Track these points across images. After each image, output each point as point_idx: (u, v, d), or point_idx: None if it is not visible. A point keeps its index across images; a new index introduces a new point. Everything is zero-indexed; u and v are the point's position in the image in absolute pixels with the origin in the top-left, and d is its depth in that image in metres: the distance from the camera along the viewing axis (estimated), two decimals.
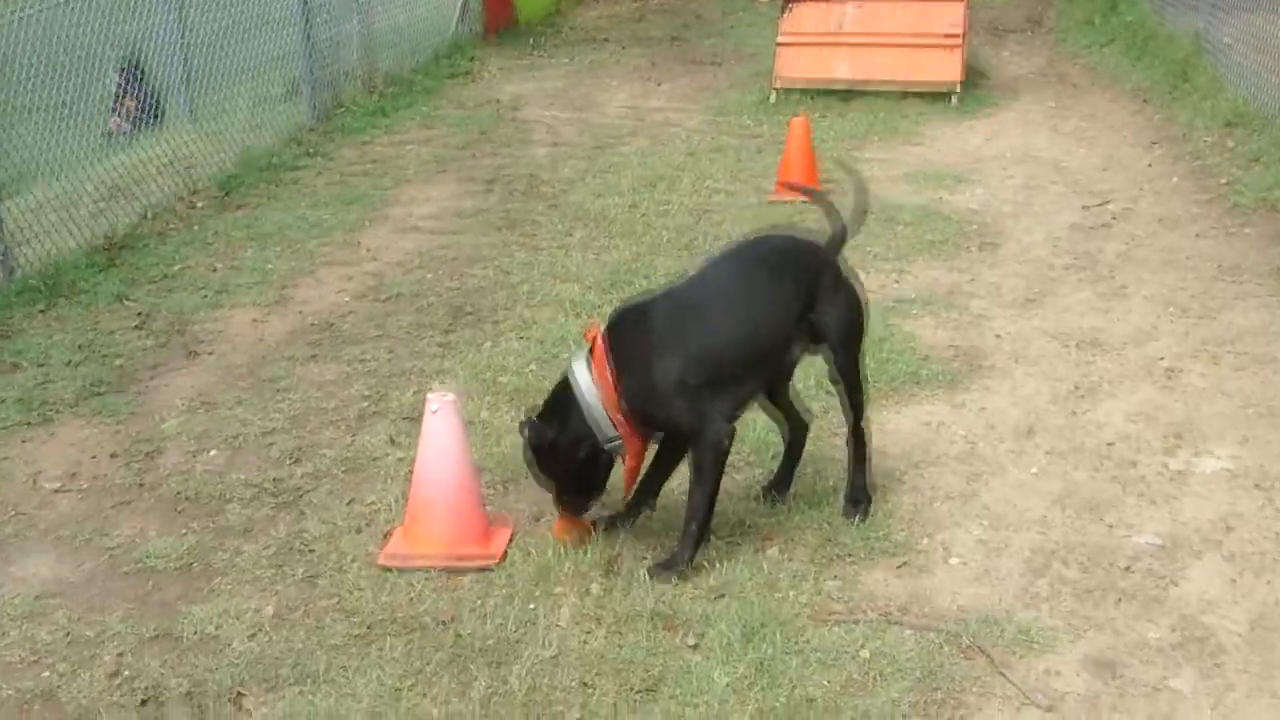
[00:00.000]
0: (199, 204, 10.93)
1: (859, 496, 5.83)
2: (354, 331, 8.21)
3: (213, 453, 6.64)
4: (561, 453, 5.39)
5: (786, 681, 4.71)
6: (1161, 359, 7.48)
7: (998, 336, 7.89)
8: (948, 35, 14.23)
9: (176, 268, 9.44)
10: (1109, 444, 6.52)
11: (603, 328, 5.39)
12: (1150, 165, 11.70)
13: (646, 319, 5.42)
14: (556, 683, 4.75)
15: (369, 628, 5.08)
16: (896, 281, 8.76)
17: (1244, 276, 8.73)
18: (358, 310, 8.58)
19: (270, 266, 9.44)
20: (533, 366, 7.39)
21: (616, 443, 5.35)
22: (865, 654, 4.87)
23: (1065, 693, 4.71)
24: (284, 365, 7.69)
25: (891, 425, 6.66)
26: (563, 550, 5.51)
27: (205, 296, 8.85)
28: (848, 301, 5.74)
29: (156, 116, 12.88)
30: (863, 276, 7.87)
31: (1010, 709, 4.64)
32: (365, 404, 7.10)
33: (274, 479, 6.29)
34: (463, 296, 8.73)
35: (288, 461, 6.48)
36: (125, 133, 12.72)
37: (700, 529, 5.39)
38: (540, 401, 5.55)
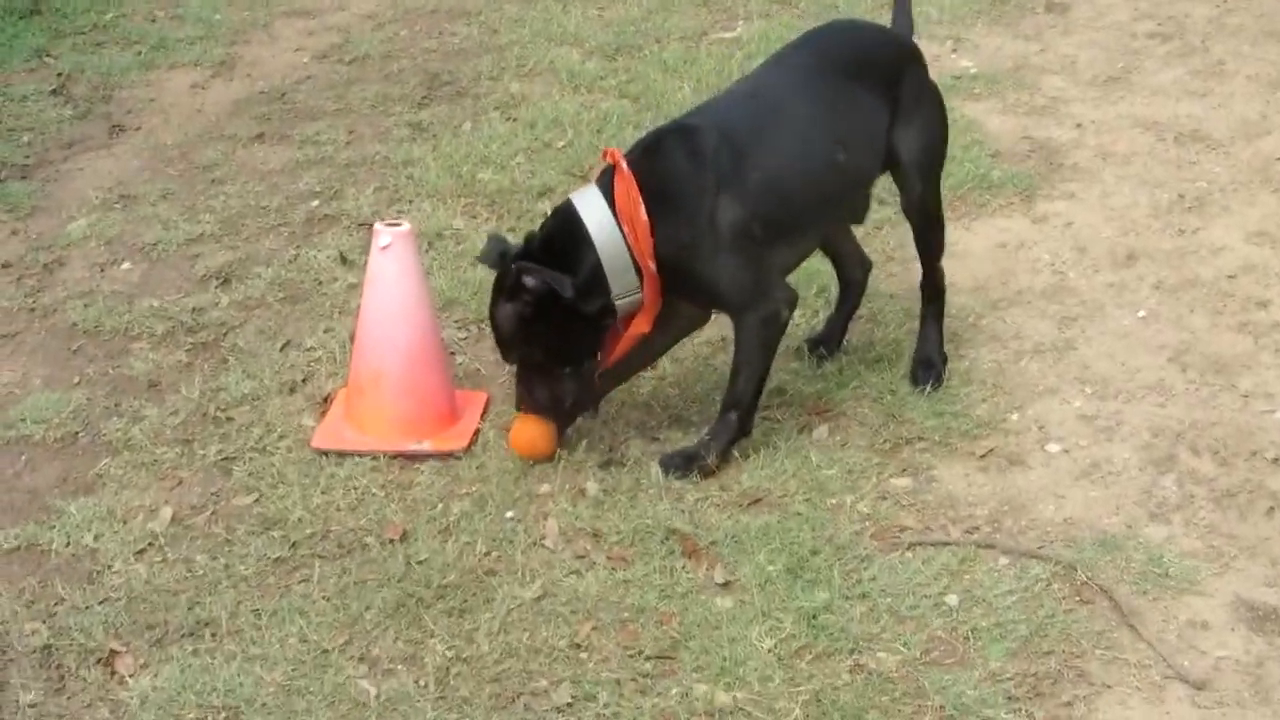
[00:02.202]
0: None
1: (931, 358, 4.55)
2: (310, 104, 6.88)
3: (125, 265, 5.39)
4: (563, 312, 3.90)
5: (849, 645, 3.48)
6: (1279, 159, 6.17)
7: (1079, 126, 6.55)
8: None
9: (110, 16, 8.09)
10: (1230, 277, 5.25)
11: (629, 153, 4.02)
12: None
13: (693, 144, 4.00)
14: (539, 642, 3.51)
15: (293, 546, 3.81)
16: (954, 52, 7.38)
17: None
18: (316, 76, 7.24)
19: (218, 17, 8.10)
20: (519, 159, 6.04)
21: (632, 298, 3.97)
22: (951, 600, 3.64)
23: (1219, 658, 3.51)
24: (223, 147, 6.40)
25: (962, 246, 5.38)
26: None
27: (139, 54, 7.54)
28: (932, 113, 4.42)
29: None
30: None
31: (1149, 685, 3.42)
32: (315, 203, 5.81)
33: (193, 309, 5.03)
34: (440, 61, 7.36)
35: (213, 283, 5.22)
36: None
37: (742, 420, 4.12)
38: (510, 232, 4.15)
